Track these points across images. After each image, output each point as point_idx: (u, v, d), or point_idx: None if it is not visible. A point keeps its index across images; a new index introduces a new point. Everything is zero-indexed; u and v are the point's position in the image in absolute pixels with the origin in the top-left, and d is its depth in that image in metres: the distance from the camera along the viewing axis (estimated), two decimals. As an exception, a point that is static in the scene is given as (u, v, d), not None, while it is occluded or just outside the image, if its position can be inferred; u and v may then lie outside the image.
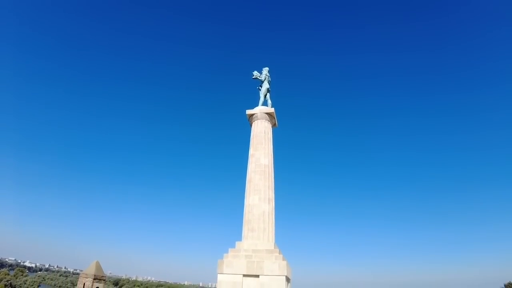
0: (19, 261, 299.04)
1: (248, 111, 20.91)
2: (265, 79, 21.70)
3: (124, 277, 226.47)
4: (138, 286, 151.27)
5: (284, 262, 16.04)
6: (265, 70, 21.89)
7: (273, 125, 21.30)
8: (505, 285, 45.11)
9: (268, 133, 20.25)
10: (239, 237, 18.41)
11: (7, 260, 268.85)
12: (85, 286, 28.82)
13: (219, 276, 16.35)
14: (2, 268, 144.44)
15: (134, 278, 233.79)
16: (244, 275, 16.05)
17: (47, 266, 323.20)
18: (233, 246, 17.65)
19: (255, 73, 21.83)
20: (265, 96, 21.54)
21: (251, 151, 19.78)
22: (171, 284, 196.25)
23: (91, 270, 29.54)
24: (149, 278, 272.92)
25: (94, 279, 29.00)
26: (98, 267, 29.75)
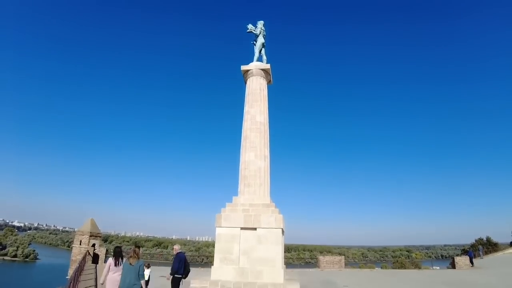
0: (7, 221, 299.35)
1: (243, 67, 20.33)
2: (260, 33, 20.81)
3: (113, 233, 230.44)
4: (127, 241, 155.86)
5: (280, 216, 16.64)
6: (260, 24, 20.89)
7: (268, 82, 20.90)
8: (475, 241, 49.31)
9: (263, 90, 19.92)
10: (234, 193, 18.75)
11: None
12: (81, 243, 29.40)
13: (218, 229, 16.87)
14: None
15: (123, 234, 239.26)
16: (241, 228, 16.63)
17: (36, 225, 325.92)
18: (229, 201, 18.07)
19: (250, 26, 20.87)
20: (260, 51, 20.80)
21: (246, 108, 19.55)
22: (159, 238, 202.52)
23: (86, 227, 29.96)
24: (137, 233, 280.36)
25: (90, 236, 29.53)
26: (93, 224, 30.20)
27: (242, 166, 18.51)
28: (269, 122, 19.87)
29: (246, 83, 20.51)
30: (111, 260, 9.35)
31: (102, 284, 9.39)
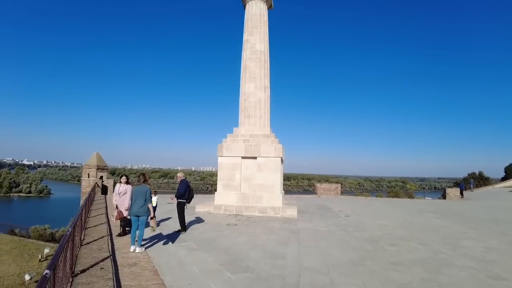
0: (17, 160, 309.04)
1: (241, -10, 18.85)
2: (259, -50, 18.81)
3: (119, 166, 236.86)
4: (134, 173, 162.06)
5: (280, 146, 17.01)
6: None
7: (269, 7, 19.52)
8: (468, 175, 50.95)
9: (264, 16, 18.70)
10: (235, 124, 18.86)
11: (5, 160, 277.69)
12: (89, 176, 30.62)
13: (220, 159, 17.44)
14: (2, 168, 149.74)
15: (129, 167, 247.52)
16: (242, 157, 17.17)
17: (45, 163, 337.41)
18: (230, 132, 18.33)
19: None
20: (259, -29, 19.05)
21: (245, 37, 18.61)
22: (165, 169, 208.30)
23: (93, 161, 30.91)
24: (144, 166, 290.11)
25: (97, 169, 30.62)
26: (99, 158, 31.12)
27: (242, 97, 18.34)
28: (269, 50, 19.10)
29: (245, 8, 19.20)
30: (118, 185, 10.00)
31: (115, 207, 10.09)
